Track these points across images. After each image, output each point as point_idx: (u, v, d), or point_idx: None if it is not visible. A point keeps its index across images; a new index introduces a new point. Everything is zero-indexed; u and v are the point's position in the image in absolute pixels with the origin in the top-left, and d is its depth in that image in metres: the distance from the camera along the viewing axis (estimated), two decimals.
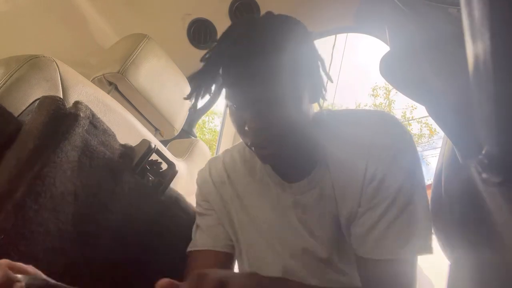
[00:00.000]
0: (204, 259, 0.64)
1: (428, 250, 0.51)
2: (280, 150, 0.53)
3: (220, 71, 0.51)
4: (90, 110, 0.52)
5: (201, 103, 1.51)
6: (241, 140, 0.61)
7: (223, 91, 0.52)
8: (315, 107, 0.61)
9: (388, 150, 0.53)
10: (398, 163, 0.53)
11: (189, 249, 0.66)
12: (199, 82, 0.52)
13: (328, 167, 0.58)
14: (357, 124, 0.57)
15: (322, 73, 0.56)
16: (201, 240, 0.66)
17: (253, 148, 0.55)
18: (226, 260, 0.67)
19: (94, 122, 0.52)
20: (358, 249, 0.54)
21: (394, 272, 0.50)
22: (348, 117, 0.61)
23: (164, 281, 0.35)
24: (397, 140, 0.55)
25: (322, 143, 0.58)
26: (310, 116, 0.56)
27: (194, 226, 0.69)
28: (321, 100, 0.58)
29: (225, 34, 0.52)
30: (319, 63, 0.55)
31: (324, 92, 0.57)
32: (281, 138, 0.52)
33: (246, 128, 0.51)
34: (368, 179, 0.54)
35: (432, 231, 0.53)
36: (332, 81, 0.59)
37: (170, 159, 0.66)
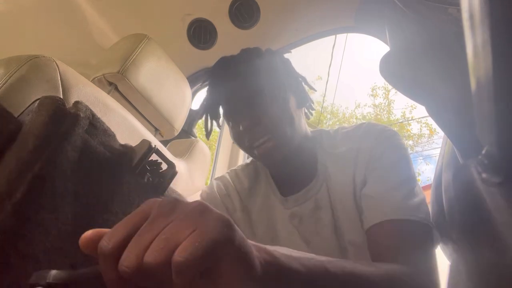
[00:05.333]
0: None
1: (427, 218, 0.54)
2: (274, 139, 0.61)
3: (219, 96, 0.68)
4: (90, 110, 0.52)
5: (200, 103, 1.50)
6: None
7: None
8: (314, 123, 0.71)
9: (374, 150, 0.60)
10: (387, 158, 0.59)
11: None
12: (205, 109, 0.72)
13: (326, 181, 0.65)
14: (347, 135, 0.67)
15: (305, 86, 0.70)
16: None
17: (252, 148, 0.59)
18: None
19: (94, 122, 0.52)
20: (368, 218, 0.56)
21: (401, 230, 0.52)
22: (338, 132, 0.70)
23: (88, 233, 0.29)
24: (384, 141, 0.61)
25: (320, 159, 0.67)
26: (300, 119, 0.67)
27: None
28: (311, 112, 0.73)
29: (215, 67, 0.69)
30: (300, 79, 0.70)
31: (311, 103, 0.71)
32: (273, 127, 0.61)
33: (241, 128, 0.61)
34: (358, 183, 0.60)
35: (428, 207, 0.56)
36: (315, 90, 0.80)
37: (170, 159, 0.66)
